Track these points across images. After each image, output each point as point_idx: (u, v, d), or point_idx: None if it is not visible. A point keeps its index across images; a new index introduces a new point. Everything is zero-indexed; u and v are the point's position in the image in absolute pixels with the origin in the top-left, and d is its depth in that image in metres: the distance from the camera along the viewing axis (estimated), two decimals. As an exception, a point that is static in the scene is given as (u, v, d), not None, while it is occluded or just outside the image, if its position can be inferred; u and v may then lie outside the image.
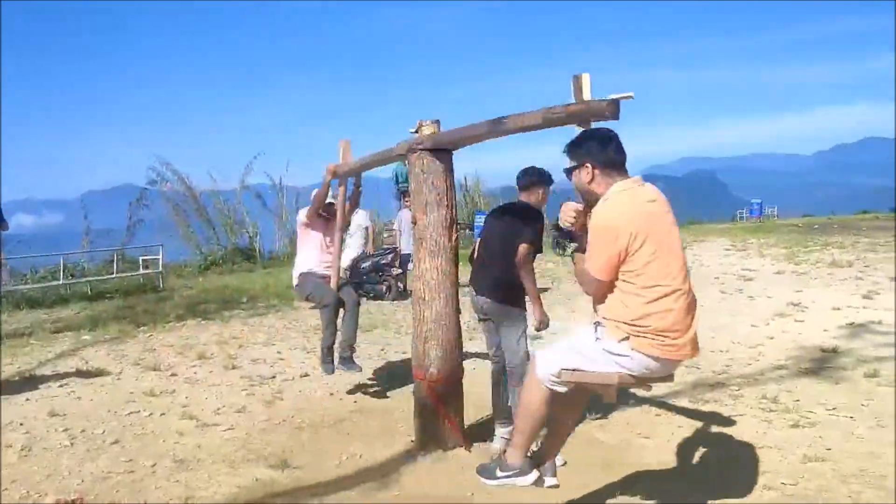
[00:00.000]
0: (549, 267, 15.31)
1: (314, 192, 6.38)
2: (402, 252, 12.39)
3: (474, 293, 5.00)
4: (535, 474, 3.49)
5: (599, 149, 3.32)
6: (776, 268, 14.31)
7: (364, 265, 12.45)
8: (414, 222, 5.03)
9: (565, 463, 4.68)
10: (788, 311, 9.88)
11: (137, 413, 5.93)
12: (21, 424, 5.59)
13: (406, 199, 11.94)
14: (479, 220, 15.73)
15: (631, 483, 4.39)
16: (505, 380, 5.01)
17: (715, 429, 5.29)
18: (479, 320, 5.16)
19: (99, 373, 7.26)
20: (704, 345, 8.07)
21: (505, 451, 3.60)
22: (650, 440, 5.13)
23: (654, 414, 5.68)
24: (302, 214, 6.40)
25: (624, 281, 3.19)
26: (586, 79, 3.71)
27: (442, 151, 4.89)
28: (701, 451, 4.88)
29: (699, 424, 5.37)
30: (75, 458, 4.94)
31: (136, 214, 19.05)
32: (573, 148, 3.41)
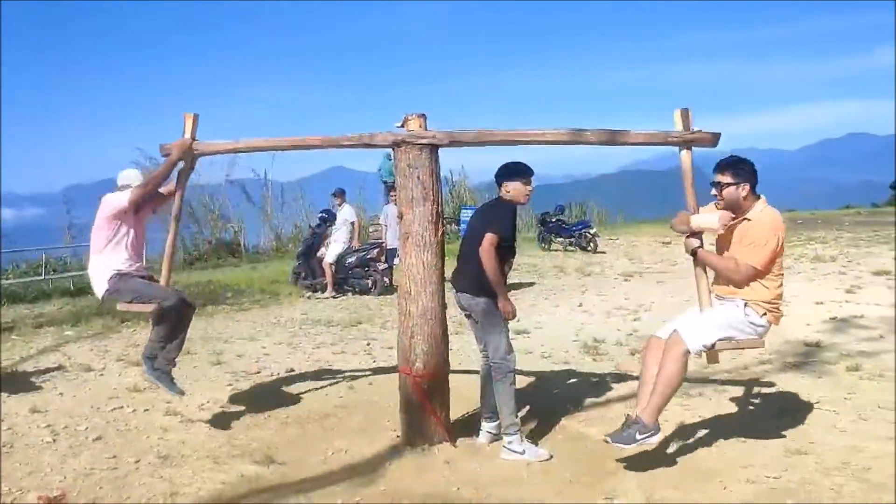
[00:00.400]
0: (533, 262, 15.35)
1: (150, 174, 5.71)
2: (388, 247, 12.38)
3: (455, 291, 4.99)
4: (659, 433, 4.37)
5: (753, 174, 4.41)
6: (760, 262, 14.39)
7: (349, 260, 12.43)
8: (400, 217, 5.01)
9: (552, 457, 4.69)
10: (772, 306, 9.94)
11: (121, 409, 5.89)
12: (2, 421, 5.53)
13: (392, 193, 11.92)
14: (466, 215, 15.76)
15: (616, 477, 4.40)
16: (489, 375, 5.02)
17: (699, 422, 5.31)
18: (466, 317, 5.15)
19: (82, 369, 7.20)
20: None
21: (636, 418, 4.30)
22: (635, 434, 5.13)
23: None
24: (120, 199, 5.22)
25: (770, 271, 4.30)
26: (690, 113, 4.67)
27: (428, 146, 4.88)
28: (685, 444, 4.89)
29: (683, 418, 5.39)
30: (58, 454, 4.90)
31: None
32: (735, 168, 4.40)
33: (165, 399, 6.14)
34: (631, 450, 4.34)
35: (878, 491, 4.05)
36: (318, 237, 13.00)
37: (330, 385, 6.62)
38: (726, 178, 4.38)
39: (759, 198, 4.41)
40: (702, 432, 5.11)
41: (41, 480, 4.44)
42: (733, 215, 4.42)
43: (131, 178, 5.49)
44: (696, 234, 4.53)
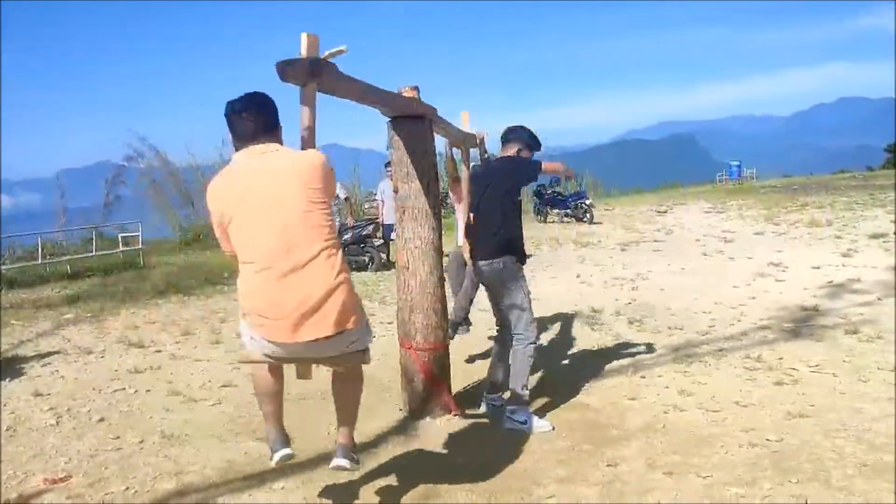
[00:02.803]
0: (530, 234, 15.34)
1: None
2: (385, 223, 12.30)
3: (475, 264, 4.92)
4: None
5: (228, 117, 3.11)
6: (756, 228, 14.43)
7: (345, 237, 12.40)
8: (395, 191, 4.99)
9: (553, 428, 4.72)
10: (769, 272, 9.98)
11: (123, 390, 5.90)
12: (5, 405, 5.54)
13: (388, 168, 11.84)
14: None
15: (618, 445, 4.43)
16: (498, 350, 5.03)
17: (700, 389, 5.34)
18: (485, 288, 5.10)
19: (82, 351, 7.21)
20: (688, 306, 8.22)
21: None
22: (636, 402, 5.17)
23: (640, 376, 5.72)
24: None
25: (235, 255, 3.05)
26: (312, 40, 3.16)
27: (421, 118, 4.84)
28: (686, 411, 4.92)
29: (684, 385, 5.42)
30: (61, 436, 4.91)
31: (114, 191, 18.84)
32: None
33: (167, 379, 6.17)
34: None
35: (877, 451, 4.08)
36: None
37: (331, 361, 6.63)
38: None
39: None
40: (702, 398, 5.13)
41: (46, 463, 4.45)
42: None
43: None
44: None
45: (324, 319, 2.91)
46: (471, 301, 6.50)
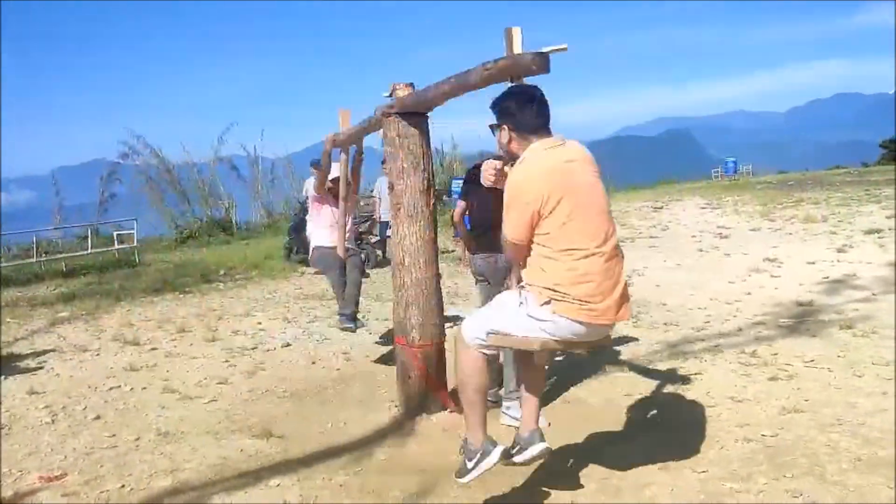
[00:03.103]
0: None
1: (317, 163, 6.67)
2: (382, 220, 12.27)
3: (471, 255, 4.98)
4: (499, 448, 3.33)
5: (517, 109, 3.24)
6: (751, 224, 14.43)
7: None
8: (391, 188, 4.99)
9: (549, 424, 4.72)
10: (764, 267, 10.00)
11: (118, 388, 5.89)
12: (0, 403, 5.53)
13: (385, 165, 11.75)
14: (457, 186, 15.69)
15: (614, 440, 4.44)
16: None
17: (695, 384, 5.35)
18: (477, 282, 5.13)
19: (78, 349, 7.20)
20: (683, 302, 8.21)
21: (464, 443, 3.41)
22: (631, 397, 5.18)
23: (636, 372, 5.73)
24: (310, 187, 6.67)
25: (539, 245, 3.15)
26: (517, 32, 3.59)
27: (416, 115, 4.84)
28: (682, 406, 4.93)
29: (680, 381, 5.43)
30: (57, 434, 4.90)
31: (109, 189, 18.80)
32: (493, 107, 3.33)
33: (163, 377, 6.16)
34: (468, 481, 3.38)
35: (872, 445, 4.09)
36: (307, 212, 12.87)
37: (326, 358, 6.63)
38: (491, 122, 3.37)
39: (530, 141, 3.23)
40: (697, 393, 5.14)
41: (41, 461, 4.45)
42: (497, 166, 3.36)
43: (334, 170, 6.29)
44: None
45: (629, 302, 3.27)
46: (357, 288, 6.40)
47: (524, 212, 3.11)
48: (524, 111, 3.21)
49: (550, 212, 3.08)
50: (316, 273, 7.57)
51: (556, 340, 3.21)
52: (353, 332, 6.43)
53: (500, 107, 3.28)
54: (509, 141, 3.26)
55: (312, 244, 6.51)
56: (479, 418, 3.33)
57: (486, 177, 3.36)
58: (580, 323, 3.12)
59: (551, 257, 3.11)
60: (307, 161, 12.25)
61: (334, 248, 6.22)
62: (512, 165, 3.26)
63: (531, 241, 3.16)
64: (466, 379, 3.32)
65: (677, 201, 19.55)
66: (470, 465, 3.32)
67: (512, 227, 3.18)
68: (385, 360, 6.36)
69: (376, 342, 7.13)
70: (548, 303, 3.11)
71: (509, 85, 3.54)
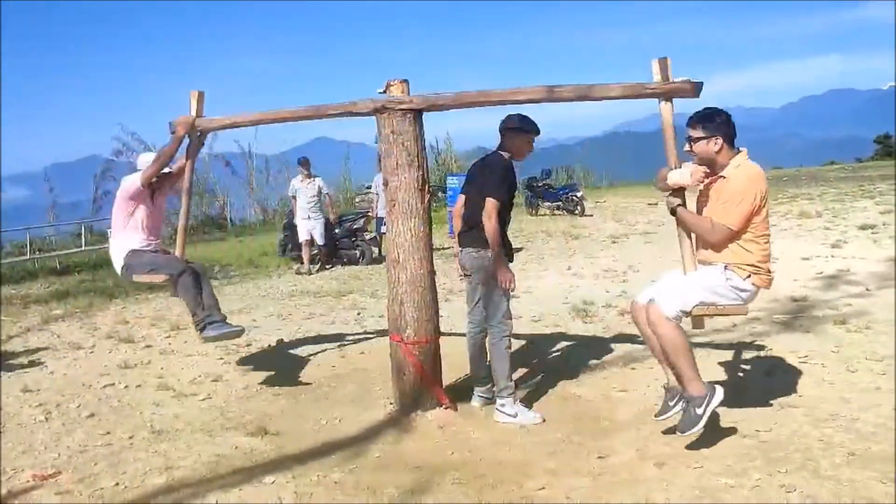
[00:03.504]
0: (521, 227, 15.35)
1: (159, 151, 5.76)
2: (378, 216, 12.21)
3: (459, 249, 4.99)
4: (720, 388, 4.11)
5: (728, 126, 4.12)
6: (746, 220, 14.44)
7: (336, 231, 12.37)
8: (385, 184, 4.98)
9: (544, 420, 4.73)
10: (759, 263, 10.00)
11: (113, 386, 5.88)
12: (-6, 401, 5.51)
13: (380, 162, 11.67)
14: (452, 183, 15.69)
15: (608, 436, 4.44)
16: (478, 339, 5.05)
17: (690, 380, 5.35)
18: (462, 276, 5.14)
19: (72, 347, 7.18)
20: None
21: (688, 397, 4.09)
22: (626, 393, 5.19)
23: (630, 368, 5.74)
24: (134, 180, 5.56)
25: (748, 231, 4.06)
26: (669, 62, 4.32)
27: (411, 111, 4.83)
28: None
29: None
30: (51, 432, 4.89)
31: (103, 186, 18.75)
32: (706, 121, 4.12)
33: (157, 374, 6.15)
34: (699, 429, 4.02)
35: (866, 440, 4.11)
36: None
37: (321, 355, 6.62)
38: (697, 132, 4.11)
39: (738, 152, 4.12)
40: (692, 389, 5.14)
41: (35, 459, 4.43)
42: (706, 170, 4.15)
43: (148, 160, 5.67)
44: (678, 192, 4.23)
45: None
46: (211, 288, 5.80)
47: (752, 205, 4.01)
48: (731, 129, 4.13)
49: (761, 207, 4.05)
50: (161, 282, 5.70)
51: (744, 305, 4.24)
52: (242, 331, 5.72)
53: (715, 122, 4.11)
54: (720, 150, 4.10)
55: (127, 248, 5.56)
56: (696, 370, 4.10)
57: (697, 178, 4.17)
58: (761, 289, 4.23)
59: (755, 241, 4.09)
60: (301, 158, 12.22)
61: (153, 250, 5.67)
62: (711, 173, 4.16)
63: (744, 229, 4.05)
64: (679, 343, 4.06)
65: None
66: (700, 410, 4.00)
67: (739, 218, 4.00)
68: (380, 356, 6.35)
69: (371, 339, 7.12)
70: (749, 276, 4.12)
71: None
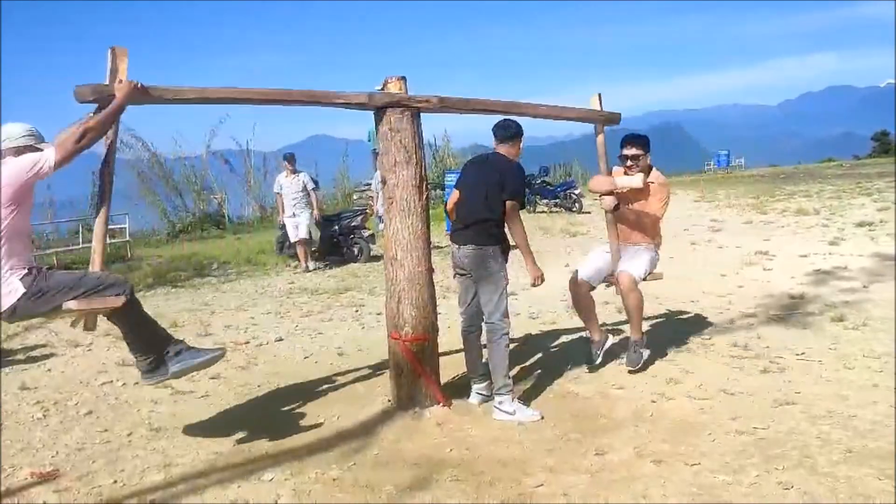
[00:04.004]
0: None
1: (84, 123, 4.04)
2: (379, 213, 12.18)
3: (456, 247, 4.99)
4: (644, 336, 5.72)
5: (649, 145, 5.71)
6: (744, 218, 14.48)
7: (334, 227, 12.35)
8: (383, 182, 4.98)
9: (542, 417, 4.73)
10: (756, 260, 10.03)
11: (111, 383, 5.87)
12: (-9, 399, 5.50)
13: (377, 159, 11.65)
14: (450, 180, 15.68)
15: (606, 433, 4.45)
16: (473, 337, 5.09)
17: (687, 377, 5.37)
18: (456, 275, 5.14)
19: (69, 344, 7.16)
20: (675, 295, 8.20)
21: (633, 340, 5.59)
22: (624, 391, 5.19)
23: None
24: (34, 166, 3.87)
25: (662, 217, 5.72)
26: (597, 98, 5.86)
27: (409, 109, 4.82)
28: (673, 399, 4.95)
29: (671, 374, 5.44)
30: (49, 430, 4.88)
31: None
32: (642, 141, 5.63)
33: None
34: (641, 364, 5.52)
35: (863, 437, 4.12)
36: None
37: (319, 352, 6.62)
38: (639, 150, 5.57)
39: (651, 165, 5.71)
40: (689, 386, 5.16)
41: (33, 457, 4.43)
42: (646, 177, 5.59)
43: (14, 134, 4.00)
44: (612, 193, 5.56)
45: None
46: None
47: (668, 202, 5.68)
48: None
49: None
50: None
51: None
52: (222, 352, 4.72)
53: (646, 141, 5.65)
54: (648, 162, 5.63)
55: (20, 268, 3.94)
56: (641, 322, 5.71)
57: (645, 184, 5.55)
58: None
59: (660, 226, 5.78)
60: (299, 155, 12.21)
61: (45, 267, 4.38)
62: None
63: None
64: (642, 302, 5.59)
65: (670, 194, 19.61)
66: (643, 352, 5.60)
67: (664, 210, 5.67)
68: (378, 354, 6.35)
69: (369, 336, 7.12)
70: (659, 246, 5.88)
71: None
